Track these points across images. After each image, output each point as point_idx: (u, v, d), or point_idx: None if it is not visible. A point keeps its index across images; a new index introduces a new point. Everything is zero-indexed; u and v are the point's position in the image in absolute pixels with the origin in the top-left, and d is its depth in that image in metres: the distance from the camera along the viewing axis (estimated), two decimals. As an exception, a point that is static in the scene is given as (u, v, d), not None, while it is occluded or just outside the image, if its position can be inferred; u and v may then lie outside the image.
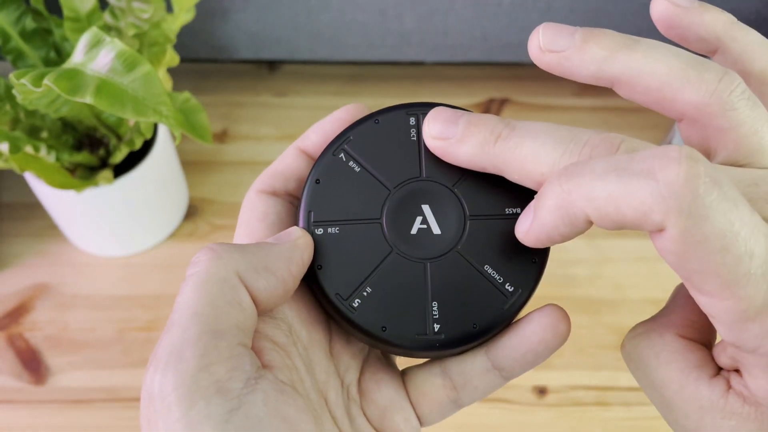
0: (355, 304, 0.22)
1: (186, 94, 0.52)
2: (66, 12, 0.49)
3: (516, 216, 0.23)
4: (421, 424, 0.24)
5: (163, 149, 0.56)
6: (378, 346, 0.23)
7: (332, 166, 0.23)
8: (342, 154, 0.24)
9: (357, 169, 0.23)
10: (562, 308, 0.23)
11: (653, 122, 0.70)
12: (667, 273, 0.61)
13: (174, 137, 0.59)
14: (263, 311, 0.21)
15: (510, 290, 0.23)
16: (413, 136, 0.24)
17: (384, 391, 0.24)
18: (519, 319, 0.23)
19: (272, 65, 0.74)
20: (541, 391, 0.55)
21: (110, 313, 0.58)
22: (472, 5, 0.62)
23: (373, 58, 0.68)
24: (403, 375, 0.25)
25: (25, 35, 0.51)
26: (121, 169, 0.54)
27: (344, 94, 0.72)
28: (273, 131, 0.69)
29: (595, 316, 0.59)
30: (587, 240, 0.62)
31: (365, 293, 0.22)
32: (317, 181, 0.23)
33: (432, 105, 0.24)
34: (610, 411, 0.54)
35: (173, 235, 0.62)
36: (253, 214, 0.24)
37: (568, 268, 0.61)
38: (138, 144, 0.52)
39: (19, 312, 0.58)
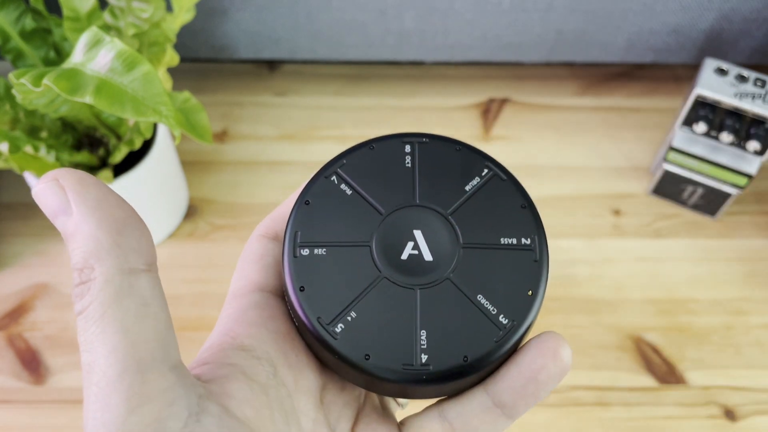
0: (338, 329, 0.21)
1: (186, 94, 0.52)
2: (66, 12, 0.49)
3: (512, 247, 0.22)
4: None
5: (163, 149, 0.56)
6: (360, 378, 0.21)
7: (323, 188, 0.23)
8: (334, 177, 0.23)
9: (348, 192, 0.23)
10: (560, 335, 0.22)
11: (653, 122, 0.70)
12: (668, 273, 0.61)
13: (174, 137, 0.59)
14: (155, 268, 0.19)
15: (504, 322, 0.21)
16: (408, 163, 0.23)
17: None
18: (517, 350, 0.22)
19: (272, 65, 0.74)
20: (541, 391, 0.55)
21: (110, 313, 0.58)
22: (472, 5, 0.62)
23: (373, 57, 0.68)
24: (401, 426, 0.23)
25: (25, 35, 0.51)
26: (120, 169, 0.54)
27: (344, 94, 0.72)
28: (273, 131, 0.69)
29: (596, 316, 0.59)
30: (587, 240, 0.62)
31: (349, 318, 0.21)
32: (306, 203, 0.23)
33: (429, 135, 0.23)
34: (610, 411, 0.54)
35: (173, 235, 0.62)
36: (250, 256, 0.24)
37: (568, 268, 0.61)
38: (138, 144, 0.52)
39: (18, 312, 0.58)
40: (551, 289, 0.60)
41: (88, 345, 0.17)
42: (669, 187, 0.64)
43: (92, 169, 0.55)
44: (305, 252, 0.22)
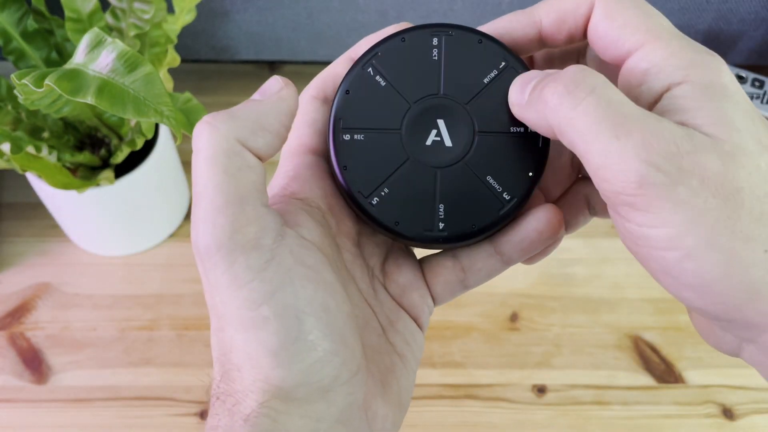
0: (374, 202, 0.26)
1: (187, 95, 0.52)
2: (67, 13, 0.50)
3: (520, 134, 0.26)
4: (435, 302, 0.28)
5: (164, 149, 0.56)
6: (391, 237, 0.27)
7: (361, 78, 0.26)
8: (370, 69, 0.26)
9: (383, 83, 0.26)
10: (556, 206, 0.26)
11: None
12: (666, 273, 0.61)
13: (175, 137, 0.60)
14: (266, 160, 0.24)
15: (507, 198, 0.26)
16: (435, 55, 0.26)
17: (404, 274, 0.28)
18: (519, 216, 0.26)
19: (273, 66, 0.74)
20: (541, 390, 0.55)
21: (111, 313, 0.58)
22: (471, 6, 0.62)
23: (373, 58, 0.68)
24: (421, 262, 0.28)
25: (27, 36, 0.51)
26: (122, 169, 0.54)
27: (344, 95, 0.72)
28: (273, 131, 0.69)
29: (594, 315, 0.59)
30: (586, 239, 0.63)
31: (383, 193, 0.26)
32: (347, 92, 0.26)
33: (455, 27, 0.26)
34: (608, 410, 0.54)
35: (174, 235, 0.63)
36: (303, 119, 0.27)
37: (566, 268, 0.62)
38: (139, 144, 0.52)
39: (20, 311, 0.58)
40: (550, 289, 0.60)
41: (200, 179, 0.22)
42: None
43: (94, 170, 0.55)
44: (347, 137, 0.26)
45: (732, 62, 0.66)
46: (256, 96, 0.24)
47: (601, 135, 0.20)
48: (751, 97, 0.57)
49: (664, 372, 0.56)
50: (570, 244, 0.62)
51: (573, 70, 0.22)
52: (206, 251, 0.22)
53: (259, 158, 0.23)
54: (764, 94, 0.57)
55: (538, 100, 0.23)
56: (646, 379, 0.56)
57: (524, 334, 0.58)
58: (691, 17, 0.62)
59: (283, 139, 0.24)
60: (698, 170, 0.20)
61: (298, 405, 0.22)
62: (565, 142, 0.22)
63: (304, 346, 0.22)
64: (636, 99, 0.22)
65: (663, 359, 0.57)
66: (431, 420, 0.54)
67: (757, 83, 0.57)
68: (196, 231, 0.22)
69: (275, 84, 0.24)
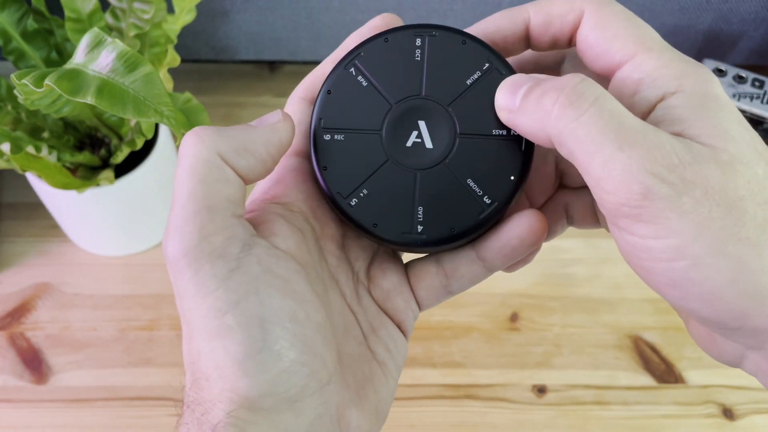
0: (353, 203, 0.25)
1: (187, 95, 0.52)
2: (67, 13, 0.50)
3: (502, 137, 0.25)
4: (420, 307, 0.28)
5: (165, 149, 0.56)
6: (370, 239, 0.26)
7: (343, 79, 0.26)
8: (352, 69, 0.26)
9: (364, 83, 0.26)
10: (540, 212, 0.26)
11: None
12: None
13: (175, 137, 0.60)
14: (249, 183, 0.24)
15: (487, 202, 0.25)
16: (418, 56, 0.26)
17: (389, 278, 0.27)
18: (501, 220, 0.26)
19: (273, 66, 0.74)
20: (541, 390, 0.55)
21: (111, 313, 0.58)
22: (471, 6, 0.62)
23: (373, 58, 0.68)
24: (406, 267, 0.28)
25: (27, 36, 0.51)
26: (122, 169, 0.54)
27: (344, 95, 0.72)
28: (273, 131, 0.69)
29: (594, 315, 0.59)
30: (586, 239, 0.63)
31: (362, 194, 0.25)
32: (329, 92, 0.26)
33: (439, 27, 0.26)
34: (609, 410, 0.54)
35: (174, 235, 0.62)
36: None
37: (566, 268, 0.62)
38: (139, 144, 0.52)
39: (20, 311, 0.58)
40: (549, 289, 0.60)
41: (177, 186, 0.23)
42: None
43: (94, 170, 0.55)
44: (327, 137, 0.26)
45: (732, 62, 0.66)
46: (253, 123, 0.24)
47: (605, 147, 0.20)
48: (751, 97, 0.57)
49: (664, 372, 0.56)
50: (570, 244, 0.62)
51: (574, 80, 0.21)
52: (174, 258, 0.22)
53: (241, 178, 0.23)
54: (764, 94, 0.57)
55: (535, 109, 0.22)
56: (646, 379, 0.56)
57: (524, 334, 0.58)
58: (691, 17, 0.62)
59: (268, 168, 0.24)
60: (700, 180, 0.20)
61: (265, 415, 0.22)
62: (563, 152, 0.22)
63: (270, 355, 0.22)
64: (629, 109, 0.22)
65: (663, 359, 0.57)
66: (431, 420, 0.54)
67: (757, 83, 0.57)
68: (166, 237, 0.23)
69: (274, 116, 0.24)
